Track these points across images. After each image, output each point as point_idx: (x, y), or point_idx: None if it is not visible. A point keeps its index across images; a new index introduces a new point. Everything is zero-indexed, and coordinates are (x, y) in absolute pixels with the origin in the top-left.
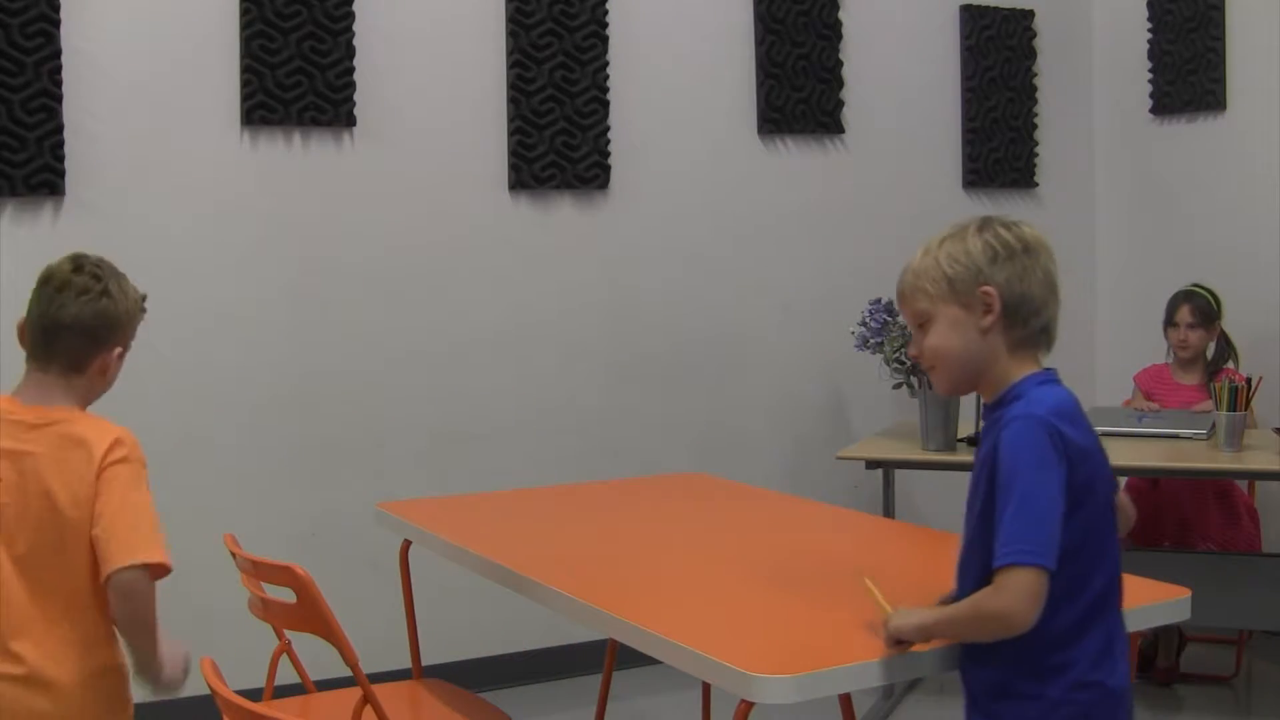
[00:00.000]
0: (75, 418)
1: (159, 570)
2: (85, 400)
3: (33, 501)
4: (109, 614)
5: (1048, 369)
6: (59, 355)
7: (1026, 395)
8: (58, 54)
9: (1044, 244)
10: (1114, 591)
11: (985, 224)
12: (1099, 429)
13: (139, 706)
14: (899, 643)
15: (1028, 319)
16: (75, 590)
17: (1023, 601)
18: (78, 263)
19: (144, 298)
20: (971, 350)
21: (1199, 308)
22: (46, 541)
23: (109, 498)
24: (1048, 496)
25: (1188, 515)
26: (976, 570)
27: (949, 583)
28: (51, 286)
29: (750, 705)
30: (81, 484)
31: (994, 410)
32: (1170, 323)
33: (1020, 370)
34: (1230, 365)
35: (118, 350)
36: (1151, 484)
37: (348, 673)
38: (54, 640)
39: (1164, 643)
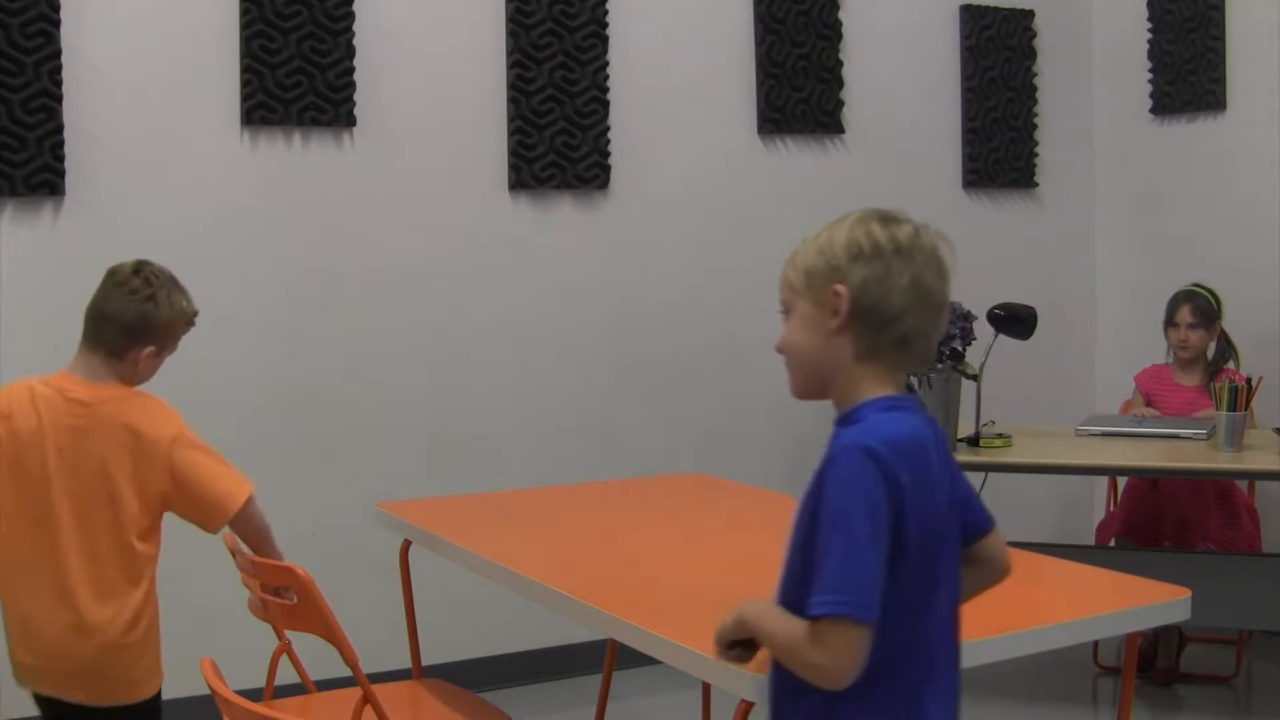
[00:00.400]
0: (120, 395)
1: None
2: (124, 383)
3: (89, 468)
4: (146, 571)
5: (905, 396)
6: (104, 341)
7: (866, 420)
8: (58, 54)
9: (925, 249)
10: (924, 643)
11: (864, 217)
12: (1099, 431)
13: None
14: (731, 646)
15: (880, 328)
16: (123, 549)
17: (842, 660)
18: (139, 266)
19: (194, 314)
20: (819, 352)
21: (1199, 308)
22: (99, 504)
23: (178, 474)
24: (871, 541)
25: (1188, 515)
26: (788, 597)
27: None
28: (111, 281)
29: (750, 705)
30: (129, 455)
31: (837, 426)
32: (1170, 323)
33: (870, 388)
34: (1231, 365)
35: (150, 349)
36: (1151, 484)
37: (348, 673)
38: (103, 593)
39: (1164, 643)
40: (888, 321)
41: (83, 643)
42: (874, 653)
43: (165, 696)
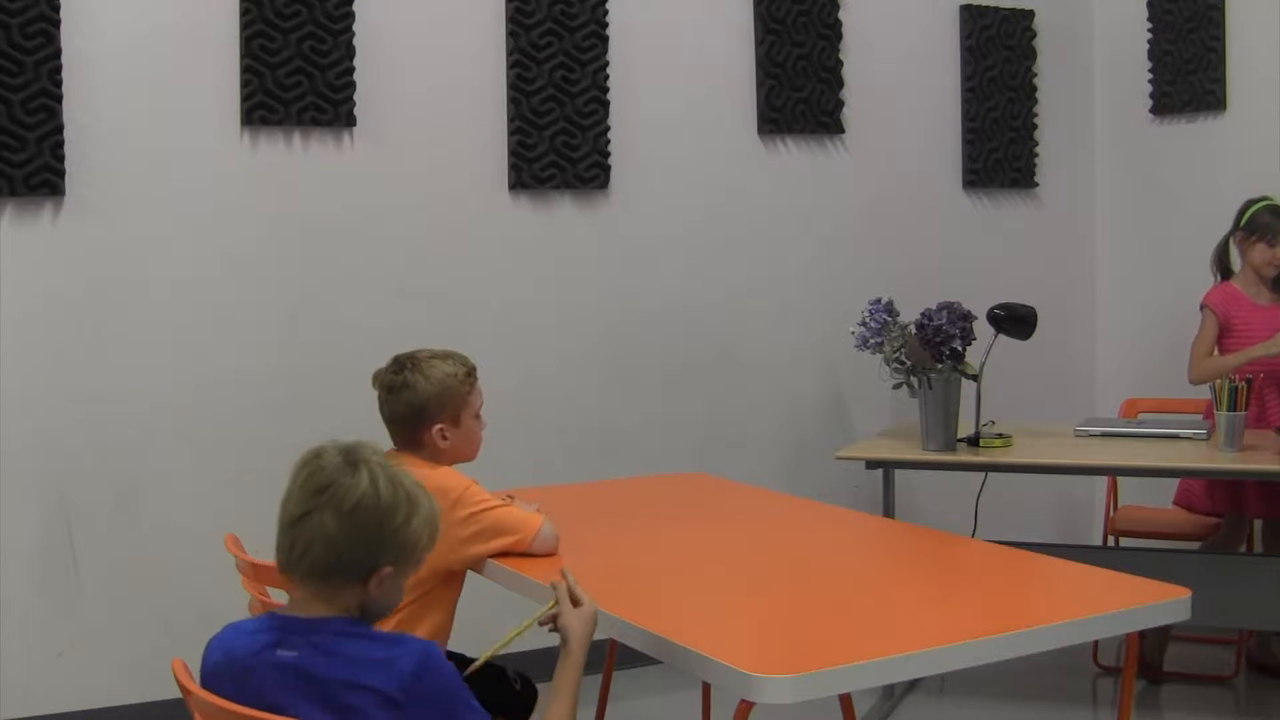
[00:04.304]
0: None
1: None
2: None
3: None
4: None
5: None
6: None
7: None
8: (58, 54)
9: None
10: None
11: None
12: (1098, 431)
13: (126, 707)
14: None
15: None
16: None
17: None
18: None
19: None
20: None
21: None
22: None
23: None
24: None
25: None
26: None
27: (947, 582)
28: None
29: (750, 705)
30: None
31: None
32: (1265, 239)
33: None
34: None
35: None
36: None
37: None
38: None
39: (1153, 642)
40: None
41: None
42: None
43: (163, 697)
